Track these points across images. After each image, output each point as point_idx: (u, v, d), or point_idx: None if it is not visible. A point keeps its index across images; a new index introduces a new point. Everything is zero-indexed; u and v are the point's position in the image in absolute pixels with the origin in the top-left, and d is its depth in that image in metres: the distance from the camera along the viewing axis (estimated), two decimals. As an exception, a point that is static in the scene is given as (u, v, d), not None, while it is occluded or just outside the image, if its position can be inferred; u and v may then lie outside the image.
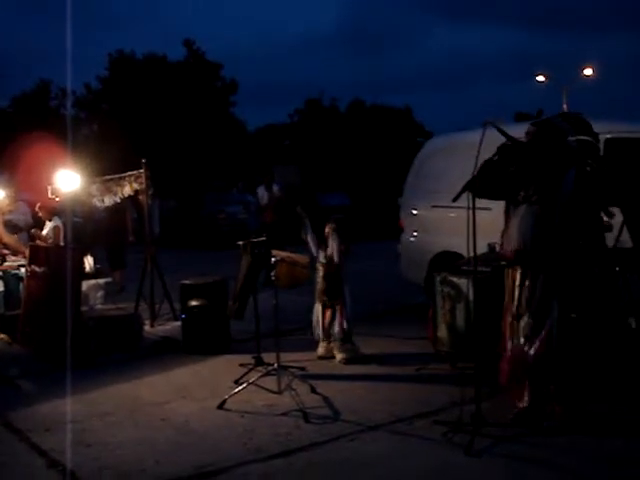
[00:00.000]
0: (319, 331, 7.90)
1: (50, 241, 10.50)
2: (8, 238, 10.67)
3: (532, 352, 5.53)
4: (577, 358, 5.50)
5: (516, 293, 5.64)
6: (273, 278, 7.00)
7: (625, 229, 6.33)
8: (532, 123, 5.85)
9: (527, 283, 5.57)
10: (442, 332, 7.31)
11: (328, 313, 7.86)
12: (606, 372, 5.79)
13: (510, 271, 5.74)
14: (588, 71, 36.70)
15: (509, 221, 5.72)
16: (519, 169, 5.71)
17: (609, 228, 5.97)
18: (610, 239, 6.06)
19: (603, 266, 5.74)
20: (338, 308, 7.82)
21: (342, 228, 8.06)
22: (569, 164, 5.52)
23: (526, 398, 5.62)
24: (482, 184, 5.51)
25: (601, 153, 6.36)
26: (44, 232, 10.72)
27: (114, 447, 5.51)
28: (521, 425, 5.49)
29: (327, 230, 8.03)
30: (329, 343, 7.87)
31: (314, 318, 7.95)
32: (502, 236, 5.82)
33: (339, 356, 7.73)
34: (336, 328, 7.79)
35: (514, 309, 5.65)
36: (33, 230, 10.88)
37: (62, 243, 10.47)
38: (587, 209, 5.50)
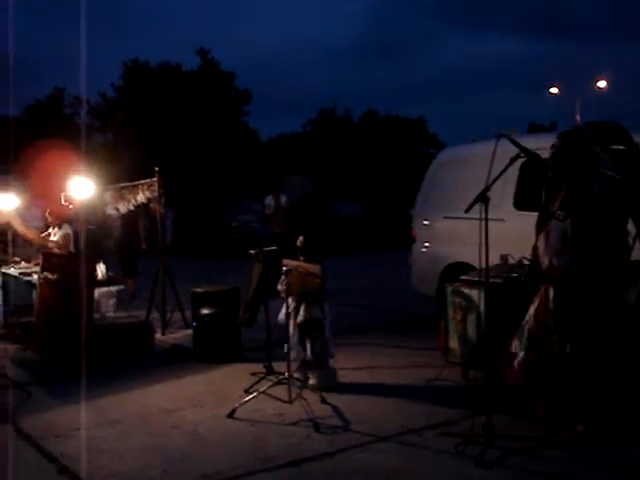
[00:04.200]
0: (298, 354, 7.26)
1: (57, 247, 10.48)
2: (32, 233, 10.69)
3: (557, 367, 5.49)
4: (604, 375, 5.45)
5: (549, 307, 5.59)
6: (284, 287, 6.98)
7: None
8: (558, 135, 5.80)
9: (556, 299, 5.51)
10: (453, 343, 7.29)
11: (306, 340, 7.27)
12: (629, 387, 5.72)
13: (542, 286, 5.67)
14: (602, 83, 36.62)
15: (539, 235, 5.67)
16: (545, 184, 5.70)
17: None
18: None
19: (630, 281, 5.66)
20: (317, 335, 7.24)
21: (312, 245, 7.52)
22: (594, 175, 5.47)
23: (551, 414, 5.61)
24: (526, 195, 5.42)
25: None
26: (54, 238, 10.72)
27: (123, 454, 5.51)
28: (541, 439, 5.46)
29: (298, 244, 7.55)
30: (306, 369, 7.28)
31: (293, 344, 7.23)
32: (533, 250, 5.78)
33: (312, 381, 7.14)
34: (315, 356, 7.23)
35: (544, 322, 5.59)
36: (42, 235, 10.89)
37: (72, 250, 10.49)
38: (613, 220, 5.44)
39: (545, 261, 5.56)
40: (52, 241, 10.59)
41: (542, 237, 5.60)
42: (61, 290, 8.54)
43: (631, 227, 5.86)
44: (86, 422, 6.22)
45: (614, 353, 5.44)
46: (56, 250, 10.20)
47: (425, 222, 10.13)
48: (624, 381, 5.59)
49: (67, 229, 10.82)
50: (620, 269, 5.45)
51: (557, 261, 5.45)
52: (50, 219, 10.93)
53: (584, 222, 5.35)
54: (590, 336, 5.34)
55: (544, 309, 5.57)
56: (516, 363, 5.65)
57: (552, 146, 5.62)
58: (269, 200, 15.18)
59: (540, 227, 5.65)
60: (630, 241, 5.85)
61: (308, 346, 7.23)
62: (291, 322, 7.21)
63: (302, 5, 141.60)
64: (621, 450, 5.26)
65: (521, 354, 5.64)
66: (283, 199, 15.17)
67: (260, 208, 20.79)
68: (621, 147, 6.35)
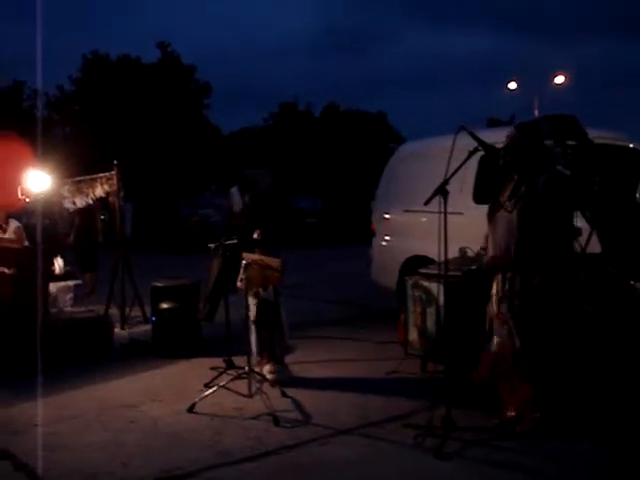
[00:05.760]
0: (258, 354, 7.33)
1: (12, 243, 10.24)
2: None
3: (511, 358, 5.56)
4: (557, 364, 5.52)
5: (494, 298, 5.66)
6: (240, 282, 7.00)
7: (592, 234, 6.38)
8: (515, 126, 5.87)
9: (506, 288, 5.58)
10: (413, 336, 7.33)
11: (264, 335, 7.35)
12: (585, 378, 5.80)
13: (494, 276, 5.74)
14: (560, 79, 36.94)
15: (489, 226, 5.75)
16: (497, 174, 5.76)
17: (578, 232, 6.01)
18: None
19: (569, 271, 5.74)
20: (275, 330, 7.36)
21: (269, 238, 7.60)
22: (542, 170, 5.54)
23: (513, 407, 5.66)
24: (485, 189, 5.51)
25: (593, 157, 6.43)
26: (6, 235, 10.47)
27: (82, 450, 5.46)
28: (500, 431, 5.52)
29: (256, 236, 7.67)
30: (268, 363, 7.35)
31: (254, 346, 7.29)
32: (485, 240, 5.87)
33: (269, 376, 7.10)
34: (272, 351, 7.34)
35: (495, 312, 5.66)
36: None
37: (26, 244, 10.29)
38: (557, 215, 5.52)
39: (491, 250, 5.64)
40: (6, 238, 10.37)
41: (491, 226, 5.68)
42: (16, 284, 8.43)
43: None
44: (44, 418, 6.14)
45: (564, 344, 5.52)
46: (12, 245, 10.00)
47: (385, 215, 10.16)
48: (575, 372, 5.68)
49: (16, 223, 10.60)
50: (563, 261, 5.54)
51: (502, 251, 5.53)
52: None
53: (530, 214, 5.42)
54: (532, 328, 5.43)
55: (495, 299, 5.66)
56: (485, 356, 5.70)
57: (507, 136, 5.68)
58: (236, 197, 15.01)
59: (490, 216, 5.73)
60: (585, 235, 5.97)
61: (255, 341, 7.28)
62: (250, 316, 7.21)
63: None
64: (573, 442, 5.33)
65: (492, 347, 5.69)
66: (246, 198, 15.12)
67: (222, 202, 20.67)
68: (573, 142, 6.44)
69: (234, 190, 15.04)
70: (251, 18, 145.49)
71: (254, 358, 7.12)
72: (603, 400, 5.77)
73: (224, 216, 16.41)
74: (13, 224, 10.45)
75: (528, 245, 5.42)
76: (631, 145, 7.40)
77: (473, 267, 6.89)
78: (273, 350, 7.31)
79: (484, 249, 6.10)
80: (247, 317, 7.11)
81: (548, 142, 5.78)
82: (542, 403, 5.53)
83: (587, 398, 5.75)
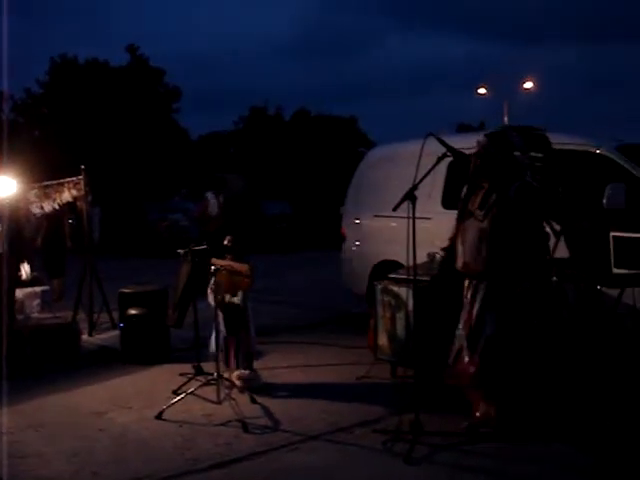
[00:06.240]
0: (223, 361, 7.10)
1: None
2: None
3: (472, 364, 5.59)
4: (514, 369, 5.56)
5: (465, 303, 5.71)
6: (211, 287, 6.98)
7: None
8: (486, 134, 5.91)
9: (470, 295, 5.63)
10: (382, 340, 7.34)
11: (232, 342, 7.23)
12: (548, 382, 5.83)
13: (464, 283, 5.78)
14: (528, 84, 37.25)
15: (457, 232, 5.78)
16: (466, 180, 5.80)
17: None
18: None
19: (543, 278, 5.79)
20: (242, 336, 7.26)
21: (240, 244, 7.46)
22: (513, 179, 5.58)
23: (480, 410, 5.69)
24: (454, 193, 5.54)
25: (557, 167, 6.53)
26: None
27: (50, 458, 5.41)
28: (468, 435, 5.55)
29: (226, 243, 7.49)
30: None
31: (213, 348, 7.09)
32: (449, 242, 5.92)
33: (238, 383, 7.00)
34: (240, 358, 7.22)
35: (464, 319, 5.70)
36: None
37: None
38: (529, 223, 5.56)
39: (461, 258, 5.67)
40: None
41: (460, 234, 5.72)
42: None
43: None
44: (10, 426, 6.09)
45: (527, 350, 5.56)
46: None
47: (356, 220, 10.17)
48: (545, 374, 5.72)
49: None
50: (535, 268, 5.59)
51: (473, 259, 5.56)
52: None
53: (502, 222, 5.46)
54: (496, 331, 5.47)
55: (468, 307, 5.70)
56: (467, 364, 5.70)
57: (478, 142, 5.71)
58: (212, 200, 14.88)
59: (459, 223, 5.76)
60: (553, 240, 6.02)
61: (222, 347, 7.17)
62: (220, 322, 7.16)
63: (233, 1, 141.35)
64: (544, 444, 5.37)
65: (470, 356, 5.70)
66: (221, 199, 15.06)
67: (192, 207, 20.54)
68: (540, 155, 6.51)
69: (210, 195, 14.96)
70: (221, 21, 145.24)
71: (222, 364, 7.08)
72: (574, 401, 5.82)
73: (196, 221, 16.29)
74: None
75: (501, 252, 5.46)
76: (598, 151, 7.46)
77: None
78: (241, 356, 7.27)
79: (443, 249, 6.18)
80: (216, 323, 7.07)
81: (516, 153, 5.82)
82: (498, 407, 5.58)
83: (558, 400, 5.80)
